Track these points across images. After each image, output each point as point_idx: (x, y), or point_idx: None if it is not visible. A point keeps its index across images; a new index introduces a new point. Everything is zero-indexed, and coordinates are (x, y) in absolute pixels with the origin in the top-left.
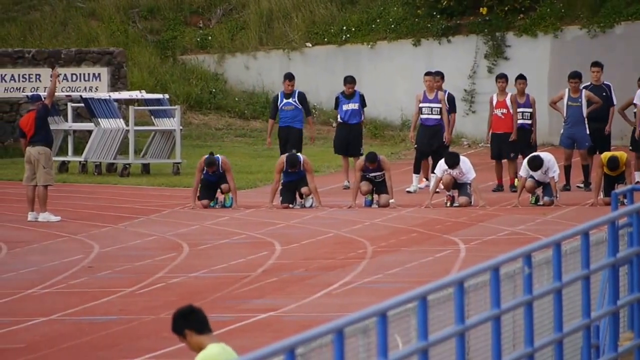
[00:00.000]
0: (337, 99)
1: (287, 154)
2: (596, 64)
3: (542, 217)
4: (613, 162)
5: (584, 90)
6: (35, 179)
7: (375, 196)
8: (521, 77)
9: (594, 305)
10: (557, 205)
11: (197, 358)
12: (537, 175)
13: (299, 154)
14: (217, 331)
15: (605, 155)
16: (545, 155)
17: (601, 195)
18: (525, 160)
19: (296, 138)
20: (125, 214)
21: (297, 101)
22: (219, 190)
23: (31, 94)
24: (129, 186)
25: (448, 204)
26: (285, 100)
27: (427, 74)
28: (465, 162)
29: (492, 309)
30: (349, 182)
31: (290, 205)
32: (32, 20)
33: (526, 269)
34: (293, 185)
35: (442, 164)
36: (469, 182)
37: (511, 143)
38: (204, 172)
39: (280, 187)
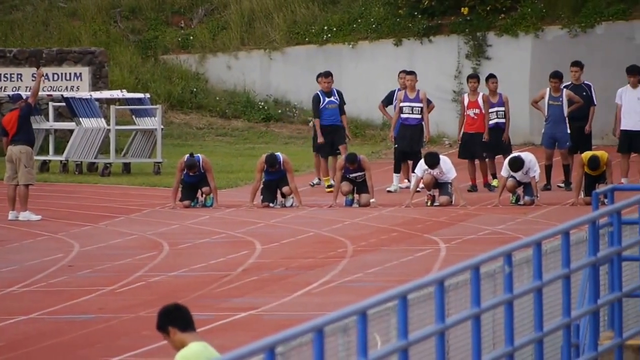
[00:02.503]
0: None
1: (267, 154)
2: (576, 63)
3: (523, 217)
4: (594, 162)
5: (564, 89)
6: (16, 178)
7: (356, 196)
8: (492, 77)
9: (574, 304)
10: (538, 204)
11: (177, 356)
12: (518, 175)
13: (278, 153)
14: (197, 330)
15: (586, 154)
16: (526, 156)
17: (582, 194)
18: (506, 161)
19: (342, 136)
20: (105, 213)
21: (338, 99)
22: (199, 191)
23: (12, 93)
24: (110, 185)
25: (429, 203)
26: (327, 99)
27: (405, 72)
28: (445, 161)
29: (472, 308)
30: (319, 179)
31: (271, 205)
32: (14, 20)
33: (506, 268)
34: (274, 184)
35: (422, 163)
36: (449, 181)
37: (484, 143)
38: (184, 173)
39: (261, 186)
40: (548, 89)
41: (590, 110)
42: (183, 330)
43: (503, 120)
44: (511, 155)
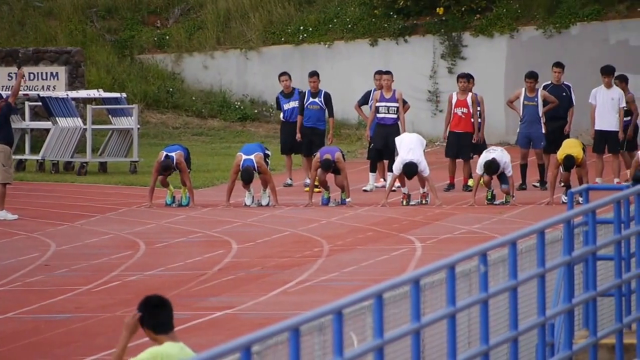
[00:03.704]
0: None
1: (243, 169)
2: (558, 64)
3: (498, 216)
4: (568, 162)
5: (540, 89)
6: None
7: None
8: (468, 76)
9: (549, 303)
10: (513, 204)
11: (148, 349)
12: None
13: (252, 158)
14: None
15: (561, 153)
16: (500, 157)
17: (561, 169)
18: (481, 162)
19: (321, 140)
20: (82, 212)
21: (322, 101)
22: (176, 189)
23: None
24: (86, 184)
25: (404, 202)
26: (311, 99)
27: (381, 72)
28: (420, 162)
29: (448, 307)
30: (291, 180)
31: (248, 192)
32: None
33: (482, 267)
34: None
35: (399, 160)
36: (426, 176)
37: (471, 143)
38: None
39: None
40: (523, 89)
41: (569, 111)
42: (156, 333)
43: (479, 120)
44: (486, 159)
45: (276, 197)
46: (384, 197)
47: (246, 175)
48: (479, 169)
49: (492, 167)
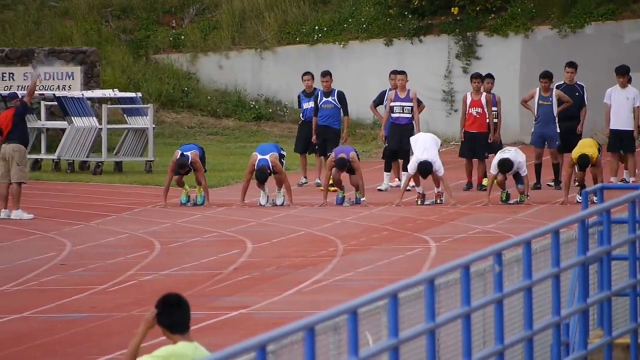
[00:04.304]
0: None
1: (257, 168)
2: (571, 64)
3: (513, 216)
4: (583, 161)
5: (554, 89)
6: (9, 177)
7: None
8: (489, 77)
9: (563, 303)
10: (528, 203)
11: (162, 347)
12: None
13: (267, 158)
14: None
15: (576, 153)
16: (515, 157)
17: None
18: (495, 161)
19: (335, 139)
20: (97, 212)
21: (336, 100)
22: (191, 188)
23: (6, 92)
24: (102, 184)
25: (419, 202)
26: (324, 99)
27: (396, 72)
28: (435, 162)
29: (463, 307)
30: (305, 179)
31: (263, 192)
32: (6, 19)
33: (496, 267)
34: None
35: (414, 160)
36: (440, 175)
37: (487, 143)
38: (176, 170)
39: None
40: (538, 88)
41: (581, 111)
42: (172, 332)
43: (495, 120)
44: (500, 157)
45: (291, 197)
46: (398, 197)
47: (260, 175)
48: (493, 169)
49: (505, 165)
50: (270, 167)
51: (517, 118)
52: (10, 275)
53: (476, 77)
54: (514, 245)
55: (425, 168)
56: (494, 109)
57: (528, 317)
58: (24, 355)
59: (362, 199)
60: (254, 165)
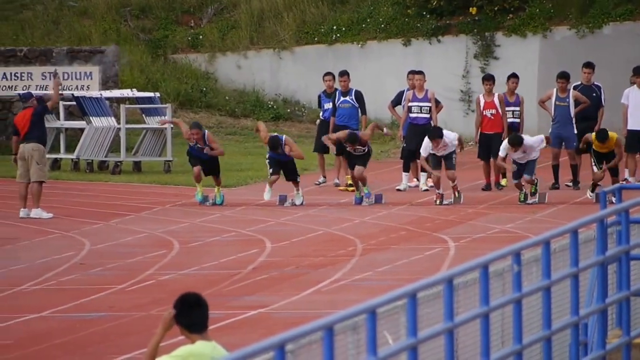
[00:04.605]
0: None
1: (271, 137)
2: (588, 64)
3: (531, 215)
4: (602, 133)
5: (571, 90)
6: (28, 176)
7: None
8: (514, 76)
9: (582, 303)
10: (543, 203)
11: (181, 347)
12: (517, 155)
13: (280, 135)
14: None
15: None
16: (528, 138)
17: (594, 169)
18: (506, 139)
19: None
20: (116, 211)
21: (353, 99)
22: (208, 188)
23: (23, 92)
24: (121, 184)
25: (437, 202)
26: (342, 98)
27: (414, 72)
28: (448, 135)
29: (481, 307)
30: (324, 178)
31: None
32: (25, 19)
33: (515, 266)
34: (278, 161)
35: (426, 142)
36: (452, 150)
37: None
38: (192, 144)
39: (267, 159)
40: (555, 89)
41: (599, 112)
42: (190, 332)
43: (518, 120)
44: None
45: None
46: (421, 185)
47: (273, 142)
48: (502, 151)
49: (515, 139)
50: (283, 142)
51: (535, 118)
52: (30, 275)
53: (488, 78)
54: (532, 245)
55: (436, 130)
56: (517, 108)
57: (547, 316)
58: (44, 355)
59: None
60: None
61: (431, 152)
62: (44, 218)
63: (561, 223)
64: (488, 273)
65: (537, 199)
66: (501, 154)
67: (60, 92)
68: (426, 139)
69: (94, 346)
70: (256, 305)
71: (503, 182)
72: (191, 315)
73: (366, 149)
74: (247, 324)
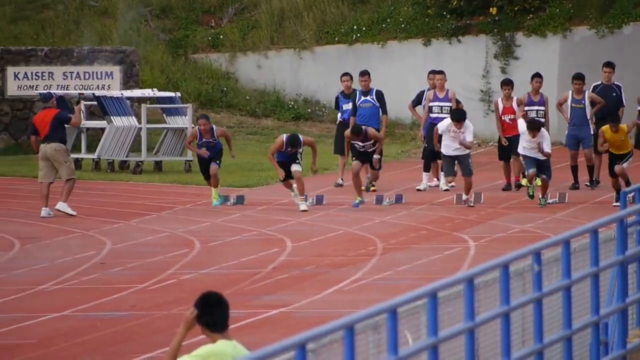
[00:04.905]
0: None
1: (289, 136)
2: (608, 64)
3: (551, 215)
4: (614, 117)
5: (587, 91)
6: (51, 176)
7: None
8: (538, 76)
9: (602, 302)
10: (566, 203)
11: (203, 347)
12: (532, 142)
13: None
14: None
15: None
16: (543, 130)
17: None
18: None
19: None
20: (137, 211)
21: (374, 99)
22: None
23: (43, 92)
24: (142, 183)
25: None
26: (363, 98)
27: (435, 72)
28: (469, 124)
29: (502, 306)
30: (342, 180)
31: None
32: (46, 19)
33: (535, 266)
34: (285, 164)
35: (447, 121)
36: (467, 153)
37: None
38: (200, 136)
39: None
40: (571, 91)
41: (620, 111)
42: (211, 331)
43: (542, 120)
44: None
45: (315, 160)
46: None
47: (293, 140)
48: (522, 141)
49: (534, 123)
50: (302, 140)
51: (554, 119)
52: (51, 274)
53: (507, 83)
54: (553, 245)
55: (461, 112)
56: (542, 108)
57: (567, 316)
58: (65, 354)
59: (376, 156)
60: (283, 143)
61: (445, 153)
62: (69, 213)
63: (581, 223)
64: (508, 272)
65: (557, 199)
66: (520, 150)
67: (82, 110)
68: (447, 119)
69: (115, 345)
70: (277, 304)
71: (523, 182)
72: (212, 314)
73: (372, 145)
74: (268, 323)
